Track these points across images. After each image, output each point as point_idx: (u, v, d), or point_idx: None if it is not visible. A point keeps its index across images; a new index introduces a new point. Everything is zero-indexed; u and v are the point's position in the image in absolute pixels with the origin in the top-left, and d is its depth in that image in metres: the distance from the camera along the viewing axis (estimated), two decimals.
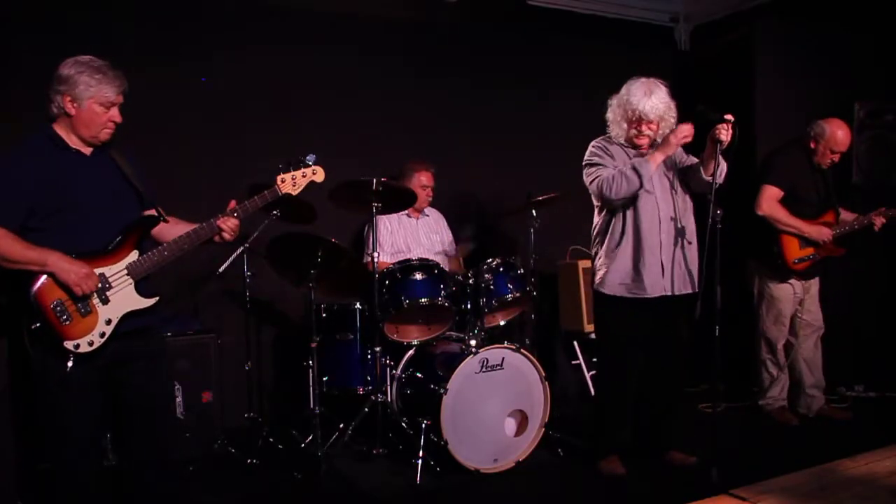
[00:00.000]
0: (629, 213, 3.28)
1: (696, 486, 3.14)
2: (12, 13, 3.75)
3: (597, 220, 3.45)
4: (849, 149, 4.07)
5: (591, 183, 3.31)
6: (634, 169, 3.16)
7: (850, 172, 4.63)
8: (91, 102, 2.41)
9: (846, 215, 4.17)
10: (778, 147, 4.20)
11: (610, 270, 3.31)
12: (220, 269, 3.68)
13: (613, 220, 3.32)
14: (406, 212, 4.27)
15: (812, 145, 4.00)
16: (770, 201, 3.97)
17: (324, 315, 3.95)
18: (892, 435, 3.74)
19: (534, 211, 4.18)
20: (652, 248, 3.24)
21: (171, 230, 2.61)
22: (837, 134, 3.92)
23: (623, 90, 3.32)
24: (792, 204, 4.00)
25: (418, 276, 3.72)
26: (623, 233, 3.28)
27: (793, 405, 4.22)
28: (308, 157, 2.77)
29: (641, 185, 3.16)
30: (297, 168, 2.75)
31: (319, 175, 2.81)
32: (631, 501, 3.16)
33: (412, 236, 4.31)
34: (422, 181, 4.29)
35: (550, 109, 5.25)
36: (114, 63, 2.51)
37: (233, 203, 2.65)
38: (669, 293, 3.27)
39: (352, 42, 4.66)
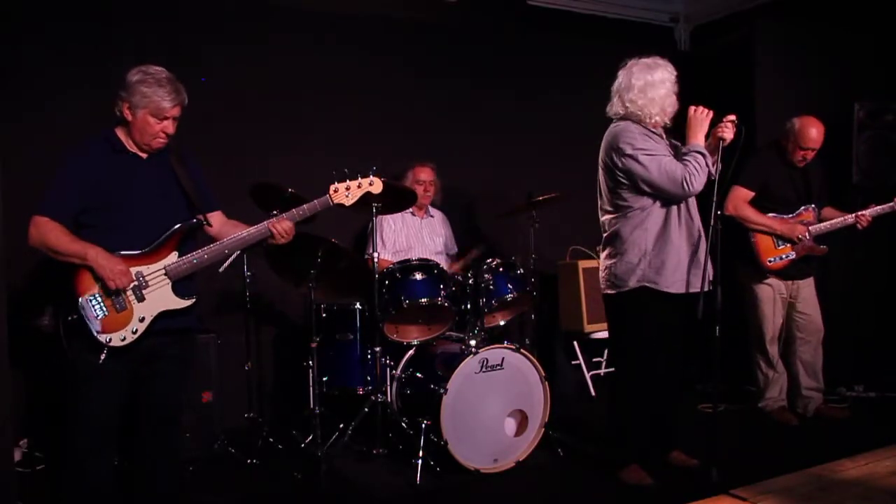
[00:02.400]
0: (681, 207, 3.15)
1: (696, 486, 3.14)
2: (12, 13, 3.74)
3: (640, 214, 3.15)
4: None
5: (666, 177, 3.04)
6: (703, 155, 3.06)
7: (850, 172, 4.63)
8: (144, 113, 2.48)
9: (833, 214, 4.12)
10: (757, 147, 4.21)
11: (666, 267, 3.11)
12: (220, 269, 3.68)
13: (668, 214, 3.14)
14: (410, 210, 4.27)
15: (783, 143, 4.01)
16: (736, 201, 3.97)
17: (324, 315, 3.95)
18: (892, 435, 3.73)
19: (534, 211, 4.18)
20: (695, 244, 3.19)
21: (228, 230, 2.70)
22: (810, 131, 3.88)
23: (647, 74, 3.15)
24: (767, 203, 4.01)
25: (418, 276, 3.72)
26: (679, 226, 3.14)
27: (791, 405, 4.22)
28: (370, 168, 2.71)
29: (709, 169, 3.09)
30: (353, 178, 2.71)
31: (377, 186, 2.74)
32: (631, 501, 3.16)
33: (415, 235, 4.31)
34: (418, 177, 4.29)
35: (550, 109, 5.25)
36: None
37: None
38: (697, 290, 3.18)
39: (352, 42, 4.66)
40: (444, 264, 4.05)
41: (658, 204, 3.15)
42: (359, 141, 4.60)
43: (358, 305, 3.94)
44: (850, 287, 4.72)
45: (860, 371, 4.71)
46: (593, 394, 4.91)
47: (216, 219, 2.75)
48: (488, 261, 3.84)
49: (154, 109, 2.48)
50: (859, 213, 4.04)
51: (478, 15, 5.13)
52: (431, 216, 4.45)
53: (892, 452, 3.53)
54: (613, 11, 5.57)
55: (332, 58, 4.60)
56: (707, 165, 3.08)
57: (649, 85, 3.14)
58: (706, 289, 3.18)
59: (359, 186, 2.72)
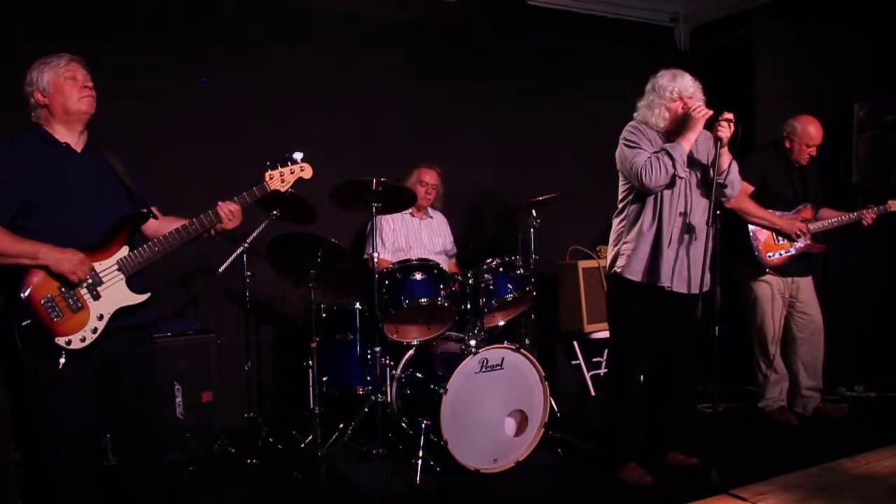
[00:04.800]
0: (658, 201, 3.22)
1: (696, 486, 3.14)
2: (12, 17, 3.74)
3: (626, 203, 3.33)
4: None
5: (629, 167, 3.20)
6: (667, 153, 3.13)
7: (850, 172, 4.63)
8: (55, 81, 2.43)
9: (830, 213, 4.14)
10: (755, 146, 4.22)
11: (634, 256, 3.23)
12: (220, 269, 3.68)
13: (644, 206, 3.23)
14: (409, 211, 4.27)
15: (787, 144, 4.03)
16: (737, 194, 3.98)
17: (324, 315, 3.95)
18: (892, 435, 3.74)
19: (534, 211, 4.18)
20: (669, 240, 3.21)
21: (165, 227, 2.60)
22: (809, 129, 3.95)
23: (653, 82, 3.33)
24: (765, 199, 4.03)
25: (418, 276, 3.72)
26: (652, 219, 3.22)
27: (790, 405, 4.21)
28: (296, 154, 2.75)
29: (675, 170, 3.13)
30: (284, 165, 2.73)
31: (307, 172, 2.78)
32: (631, 501, 3.16)
33: (414, 236, 4.31)
34: (422, 178, 4.29)
35: (550, 109, 5.26)
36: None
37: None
38: (683, 290, 3.21)
39: (352, 42, 4.66)
40: (443, 265, 4.05)
41: (634, 195, 3.28)
42: (358, 141, 4.61)
43: (358, 305, 3.94)
44: (849, 287, 4.72)
45: (860, 371, 4.71)
46: (593, 393, 4.91)
47: None
48: (488, 261, 3.84)
49: (61, 72, 2.43)
50: (865, 210, 4.07)
51: (478, 15, 5.13)
52: (430, 217, 4.44)
53: (892, 452, 3.53)
54: (613, 11, 5.57)
55: (331, 58, 4.60)
56: (672, 166, 3.12)
57: (647, 92, 3.32)
58: (706, 289, 3.20)
59: (291, 173, 2.74)
